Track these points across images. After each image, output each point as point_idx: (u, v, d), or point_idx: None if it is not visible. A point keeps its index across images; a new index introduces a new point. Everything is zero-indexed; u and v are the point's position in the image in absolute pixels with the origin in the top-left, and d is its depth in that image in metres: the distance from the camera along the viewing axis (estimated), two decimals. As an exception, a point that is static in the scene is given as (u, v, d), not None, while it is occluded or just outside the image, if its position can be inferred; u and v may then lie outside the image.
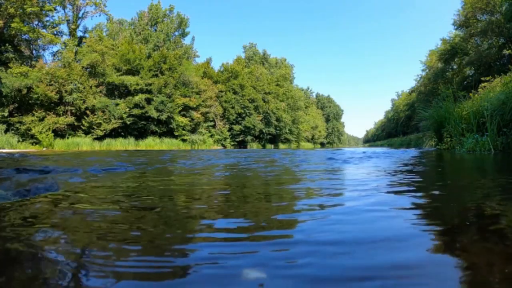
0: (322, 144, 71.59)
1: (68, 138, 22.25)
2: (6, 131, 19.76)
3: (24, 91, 20.44)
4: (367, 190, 1.61)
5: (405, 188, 1.81)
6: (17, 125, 20.35)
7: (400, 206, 1.21)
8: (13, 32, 21.17)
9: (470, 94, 9.71)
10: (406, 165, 3.69)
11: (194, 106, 29.09)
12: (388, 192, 1.61)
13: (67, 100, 22.40)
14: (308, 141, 60.46)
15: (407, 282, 0.60)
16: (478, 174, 2.94)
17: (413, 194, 1.60)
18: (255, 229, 0.93)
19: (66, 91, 22.28)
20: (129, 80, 25.69)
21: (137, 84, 25.93)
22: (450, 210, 1.27)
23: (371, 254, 0.72)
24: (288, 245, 0.78)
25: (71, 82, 22.48)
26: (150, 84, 26.69)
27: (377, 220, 1.00)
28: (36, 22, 22.83)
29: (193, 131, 29.54)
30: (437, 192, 1.69)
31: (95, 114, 23.29)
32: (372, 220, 1.00)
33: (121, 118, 24.64)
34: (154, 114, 26.04)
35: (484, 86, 13.06)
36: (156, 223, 1.07)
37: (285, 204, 1.29)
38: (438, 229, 0.94)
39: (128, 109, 25.08)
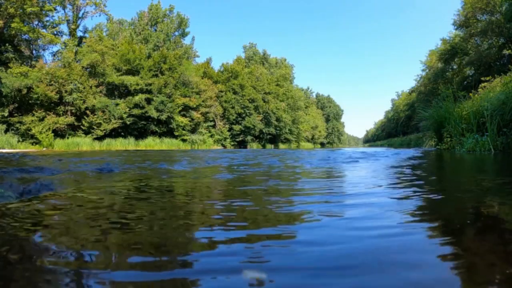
0: (322, 144, 71.57)
1: (68, 138, 22.25)
2: (6, 131, 19.76)
3: (24, 91, 20.43)
4: (369, 202, 1.59)
5: (407, 193, 1.81)
6: (17, 125, 20.35)
7: (408, 220, 1.08)
8: (13, 32, 21.16)
9: (470, 94, 9.70)
10: (406, 166, 3.69)
11: (194, 106, 29.07)
12: (390, 201, 1.61)
13: (67, 100, 22.39)
14: (308, 141, 60.43)
15: None
16: (478, 174, 2.94)
17: (417, 202, 1.60)
18: (251, 257, 0.74)
19: (66, 91, 22.27)
20: (129, 80, 25.67)
21: (137, 84, 25.92)
22: (457, 216, 1.27)
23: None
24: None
25: (71, 82, 22.47)
26: (150, 84, 26.68)
27: (389, 245, 0.80)
28: (36, 22, 22.82)
29: (193, 131, 29.52)
30: (440, 196, 1.69)
31: (95, 114, 23.28)
32: (380, 245, 0.80)
33: (121, 118, 24.63)
34: (154, 114, 26.02)
35: (484, 86, 13.06)
36: (153, 225, 1.07)
37: (283, 221, 1.13)
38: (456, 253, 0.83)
39: (128, 109, 25.07)
